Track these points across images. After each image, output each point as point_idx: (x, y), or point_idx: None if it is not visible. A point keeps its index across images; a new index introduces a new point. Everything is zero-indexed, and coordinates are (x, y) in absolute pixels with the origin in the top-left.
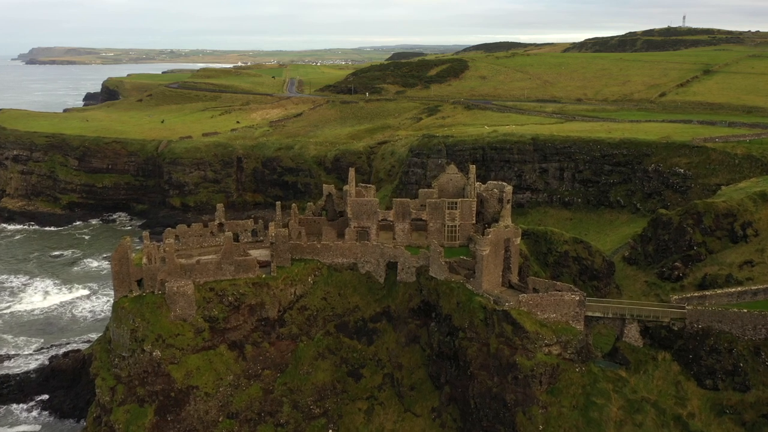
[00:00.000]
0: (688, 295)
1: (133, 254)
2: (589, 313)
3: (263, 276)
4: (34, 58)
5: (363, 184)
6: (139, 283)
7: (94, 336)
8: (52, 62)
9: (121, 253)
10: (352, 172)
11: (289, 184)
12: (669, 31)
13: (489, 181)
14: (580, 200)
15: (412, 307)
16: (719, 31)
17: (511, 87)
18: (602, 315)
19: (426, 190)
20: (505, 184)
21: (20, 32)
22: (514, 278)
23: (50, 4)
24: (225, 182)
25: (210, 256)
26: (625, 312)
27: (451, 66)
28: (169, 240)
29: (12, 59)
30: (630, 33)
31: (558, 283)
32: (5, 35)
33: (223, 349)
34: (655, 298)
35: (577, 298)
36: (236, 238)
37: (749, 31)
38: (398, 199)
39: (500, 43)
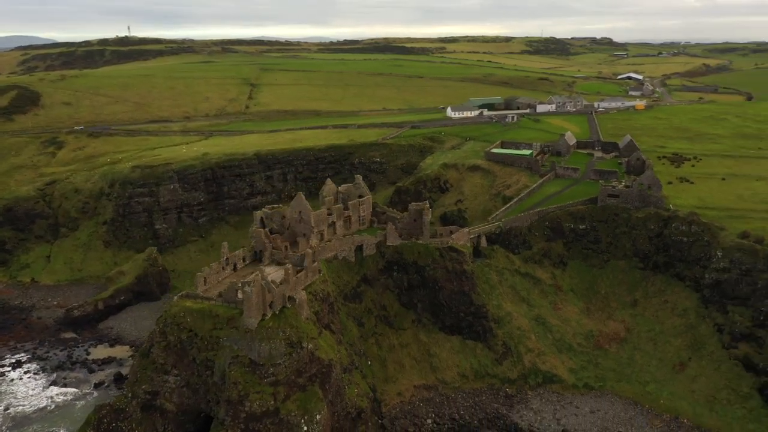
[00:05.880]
0: None
1: None
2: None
3: None
4: None
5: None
6: None
7: None
8: None
9: None
10: (300, 194)
11: None
12: (125, 41)
13: (343, 185)
14: None
15: (380, 268)
16: (167, 40)
17: (106, 111)
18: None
19: (327, 197)
20: (360, 185)
21: None
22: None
23: None
24: None
25: None
26: None
27: (22, 94)
28: None
29: None
30: (86, 42)
31: (451, 227)
32: None
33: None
34: None
35: (467, 230)
36: None
37: (186, 39)
38: (316, 212)
39: None
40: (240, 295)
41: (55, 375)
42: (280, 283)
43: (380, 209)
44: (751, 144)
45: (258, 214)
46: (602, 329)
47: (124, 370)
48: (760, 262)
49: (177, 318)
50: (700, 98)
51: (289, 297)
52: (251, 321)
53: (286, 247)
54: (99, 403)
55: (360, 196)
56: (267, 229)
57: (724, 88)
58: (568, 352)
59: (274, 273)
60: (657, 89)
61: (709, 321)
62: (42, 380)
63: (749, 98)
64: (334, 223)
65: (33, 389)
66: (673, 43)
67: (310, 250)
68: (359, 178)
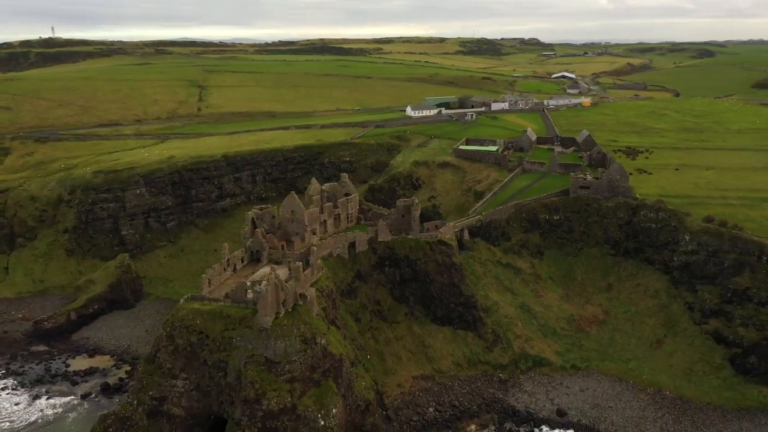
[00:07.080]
0: None
1: None
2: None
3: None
4: None
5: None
6: None
7: None
8: None
9: None
10: (293, 194)
11: None
12: (50, 43)
13: (326, 184)
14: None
15: (372, 264)
16: (96, 41)
17: (51, 116)
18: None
19: (314, 195)
20: (346, 183)
21: None
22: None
23: None
24: None
25: None
26: None
27: None
28: None
29: None
30: (6, 44)
31: (437, 222)
32: None
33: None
34: None
35: (452, 224)
36: None
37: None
38: (309, 210)
39: None
40: (250, 295)
41: (43, 389)
42: (287, 281)
43: (366, 206)
44: (694, 137)
45: (249, 214)
46: (582, 313)
47: (111, 380)
48: (725, 243)
49: (185, 321)
50: (636, 95)
51: (300, 294)
52: (266, 320)
53: (282, 246)
54: (91, 414)
55: (347, 194)
56: (261, 230)
57: (651, 85)
58: (553, 336)
59: (277, 272)
60: (591, 87)
61: (680, 300)
62: (24, 395)
63: (677, 95)
64: (325, 221)
65: (17, 405)
66: (593, 43)
67: (314, 248)
68: (345, 176)
